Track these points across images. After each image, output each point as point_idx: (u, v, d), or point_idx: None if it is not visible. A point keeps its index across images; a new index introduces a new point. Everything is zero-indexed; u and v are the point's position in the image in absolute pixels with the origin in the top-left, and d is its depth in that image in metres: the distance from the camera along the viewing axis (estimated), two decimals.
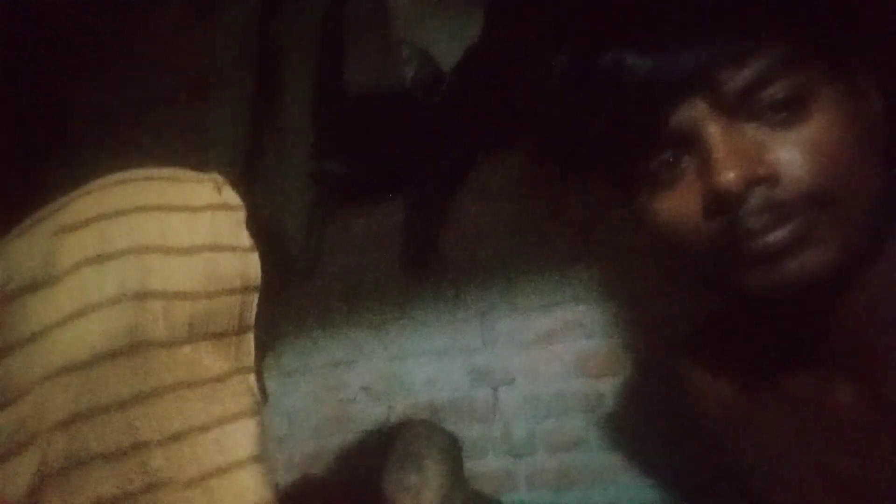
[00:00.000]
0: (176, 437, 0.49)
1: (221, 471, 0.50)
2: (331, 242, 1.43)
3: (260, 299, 0.54)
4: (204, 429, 0.50)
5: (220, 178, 0.58)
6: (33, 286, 0.48)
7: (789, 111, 0.49)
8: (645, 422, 1.29)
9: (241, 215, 0.55)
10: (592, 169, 0.61)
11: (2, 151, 1.44)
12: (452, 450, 1.06)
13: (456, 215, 1.38)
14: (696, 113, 0.50)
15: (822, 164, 0.48)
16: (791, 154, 0.48)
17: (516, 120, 1.12)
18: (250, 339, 0.54)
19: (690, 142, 0.51)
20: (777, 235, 0.49)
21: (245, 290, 0.53)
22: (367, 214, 1.42)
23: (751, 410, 0.62)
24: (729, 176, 0.48)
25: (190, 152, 1.41)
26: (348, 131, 1.32)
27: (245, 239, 0.54)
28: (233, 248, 0.54)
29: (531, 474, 1.37)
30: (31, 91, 1.49)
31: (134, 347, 0.48)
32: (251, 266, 0.54)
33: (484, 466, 1.38)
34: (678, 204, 0.52)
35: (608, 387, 1.34)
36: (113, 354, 0.48)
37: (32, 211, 0.53)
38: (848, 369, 0.54)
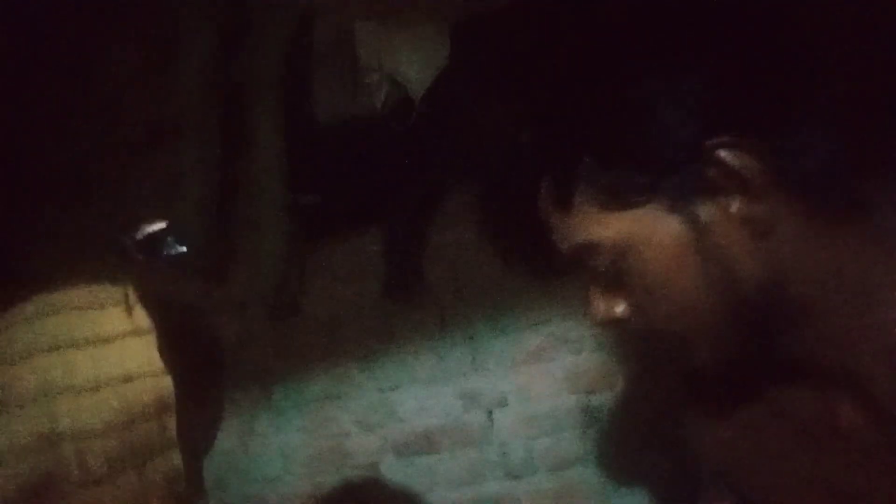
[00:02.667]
0: None
1: None
2: (311, 275, 1.42)
3: (189, 404, 0.56)
4: None
5: (132, 297, 0.58)
6: None
7: None
8: (641, 434, 1.29)
9: (152, 337, 0.56)
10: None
11: None
12: None
13: (436, 240, 1.37)
14: None
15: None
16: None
17: (486, 147, 1.12)
18: (176, 454, 0.55)
19: None
20: None
21: (162, 411, 0.54)
22: (346, 245, 1.40)
23: (752, 429, 0.61)
24: None
25: (159, 198, 1.39)
26: (322, 162, 1.31)
27: (156, 364, 0.55)
28: (144, 375, 0.54)
29: (532, 495, 1.35)
30: None
31: (51, 495, 0.48)
32: (164, 388, 0.55)
33: (483, 491, 1.37)
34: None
35: (601, 401, 1.33)
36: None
37: None
38: (846, 387, 0.54)
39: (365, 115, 1.32)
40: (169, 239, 1.23)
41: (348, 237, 1.40)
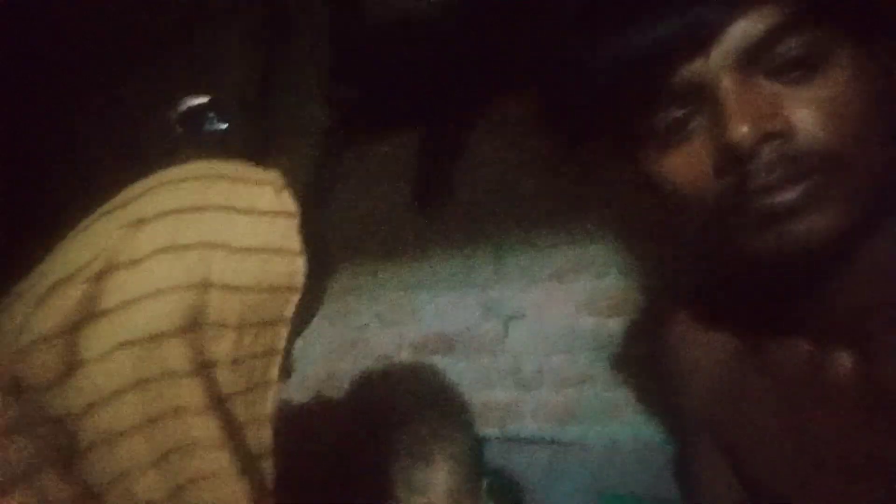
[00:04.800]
0: (213, 407, 0.58)
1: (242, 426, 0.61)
2: (346, 170, 1.43)
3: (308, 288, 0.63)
4: (236, 395, 0.60)
5: (279, 182, 0.65)
6: (114, 268, 0.56)
7: (804, 69, 0.48)
8: (650, 362, 1.30)
9: (296, 222, 0.63)
10: (597, 127, 0.60)
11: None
12: (469, 452, 1.01)
13: (473, 148, 1.36)
14: (710, 67, 0.49)
15: (834, 123, 0.47)
16: (805, 111, 0.47)
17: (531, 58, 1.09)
18: (286, 328, 0.62)
19: (703, 97, 0.50)
20: (786, 195, 0.48)
21: (289, 289, 0.61)
22: (383, 144, 1.40)
23: (742, 382, 0.62)
24: (742, 129, 0.47)
25: (200, 81, 1.40)
26: (365, 57, 1.29)
27: (296, 244, 0.62)
28: (284, 252, 0.61)
29: (537, 408, 1.39)
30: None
31: (190, 328, 0.56)
32: (297, 270, 0.62)
33: (491, 397, 1.41)
34: (686, 163, 0.52)
35: (618, 326, 1.34)
36: (173, 333, 0.56)
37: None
38: (842, 344, 0.54)
39: (414, 12, 1.29)
40: (210, 114, 1.24)
41: (386, 136, 1.39)
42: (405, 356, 1.45)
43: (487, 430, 1.41)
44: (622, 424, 1.33)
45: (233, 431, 0.60)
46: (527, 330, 1.38)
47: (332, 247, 1.44)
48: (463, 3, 1.22)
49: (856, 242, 0.50)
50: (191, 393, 0.57)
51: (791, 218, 0.48)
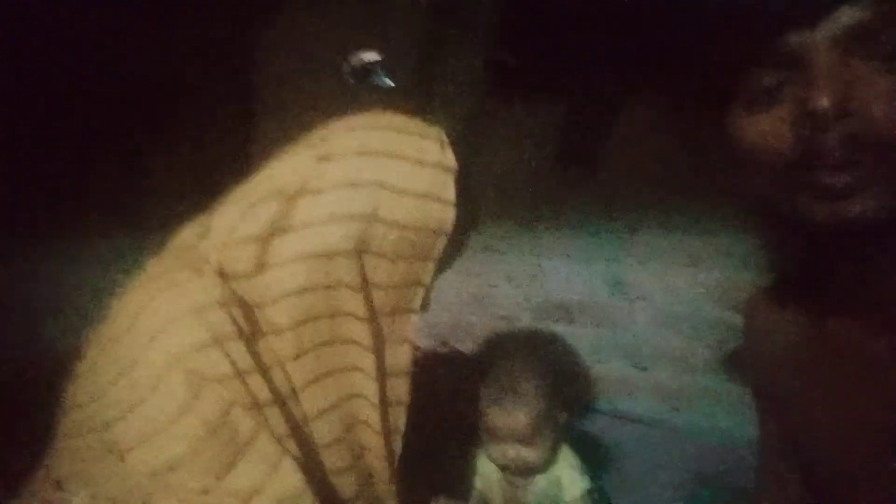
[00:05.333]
0: (368, 319, 0.69)
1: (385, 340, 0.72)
2: (495, 134, 1.49)
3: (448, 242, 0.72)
4: (385, 315, 0.71)
5: (443, 137, 0.75)
6: (303, 192, 0.67)
7: None
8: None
9: (454, 175, 0.72)
10: (701, 84, 0.64)
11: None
12: (551, 384, 1.13)
13: (619, 126, 1.37)
14: (815, 39, 0.52)
15: None
16: (884, 99, 0.50)
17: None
18: (432, 266, 0.72)
19: (801, 66, 0.53)
20: (844, 177, 0.51)
21: (440, 233, 0.71)
22: (533, 108, 1.44)
23: (804, 354, 0.64)
24: (826, 101, 0.51)
25: (378, 32, 1.49)
26: (526, 24, 1.34)
27: (452, 195, 0.71)
28: (441, 201, 0.71)
29: (650, 388, 1.41)
30: None
31: (357, 252, 0.67)
32: (449, 218, 0.71)
33: (607, 371, 1.44)
34: (770, 127, 0.55)
35: (742, 321, 1.32)
36: (342, 254, 0.66)
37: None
38: (890, 320, 0.55)
39: None
40: (381, 70, 1.34)
41: (538, 101, 1.43)
42: (527, 319, 1.51)
43: (598, 402, 1.46)
44: (734, 419, 1.33)
45: (378, 344, 0.71)
46: (651, 311, 1.40)
47: (477, 203, 1.53)
48: None
49: None
50: (352, 303, 0.68)
51: (845, 198, 0.51)
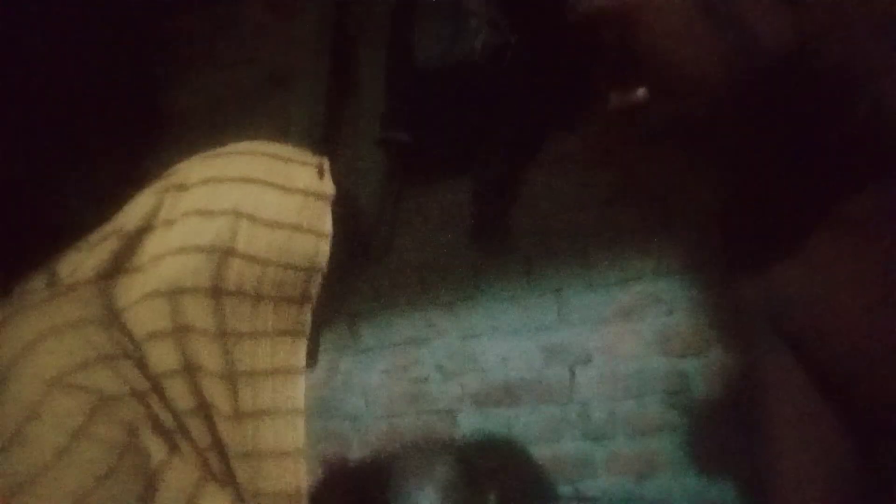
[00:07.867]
0: (228, 375, 0.58)
1: (267, 413, 0.60)
2: (404, 220, 1.43)
3: (325, 281, 0.62)
4: (257, 373, 0.59)
5: (325, 164, 0.66)
6: (150, 227, 0.60)
7: None
8: (733, 407, 1.19)
9: (328, 204, 0.63)
10: None
11: (110, 139, 1.57)
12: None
13: (527, 188, 1.34)
14: None
15: None
16: None
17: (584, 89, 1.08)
18: (308, 310, 0.62)
19: None
20: None
21: (311, 269, 0.61)
22: (439, 190, 1.41)
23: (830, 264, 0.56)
24: None
25: (273, 138, 1.47)
26: (417, 103, 1.32)
27: (325, 226, 0.62)
28: (310, 232, 0.62)
29: (610, 460, 1.29)
30: (131, 89, 1.61)
31: (210, 290, 0.58)
32: (321, 251, 0.62)
33: (559, 450, 1.32)
34: None
35: (692, 367, 1.24)
36: (195, 291, 0.57)
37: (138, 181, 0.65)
38: None
39: (463, 58, 1.32)
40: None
41: (441, 182, 1.40)
42: (468, 409, 1.39)
43: (559, 487, 1.32)
44: (704, 476, 1.21)
45: (251, 409, 0.59)
46: (594, 375, 1.31)
47: (391, 298, 1.45)
48: (511, 47, 1.24)
49: None
50: (206, 355, 0.57)
51: None
